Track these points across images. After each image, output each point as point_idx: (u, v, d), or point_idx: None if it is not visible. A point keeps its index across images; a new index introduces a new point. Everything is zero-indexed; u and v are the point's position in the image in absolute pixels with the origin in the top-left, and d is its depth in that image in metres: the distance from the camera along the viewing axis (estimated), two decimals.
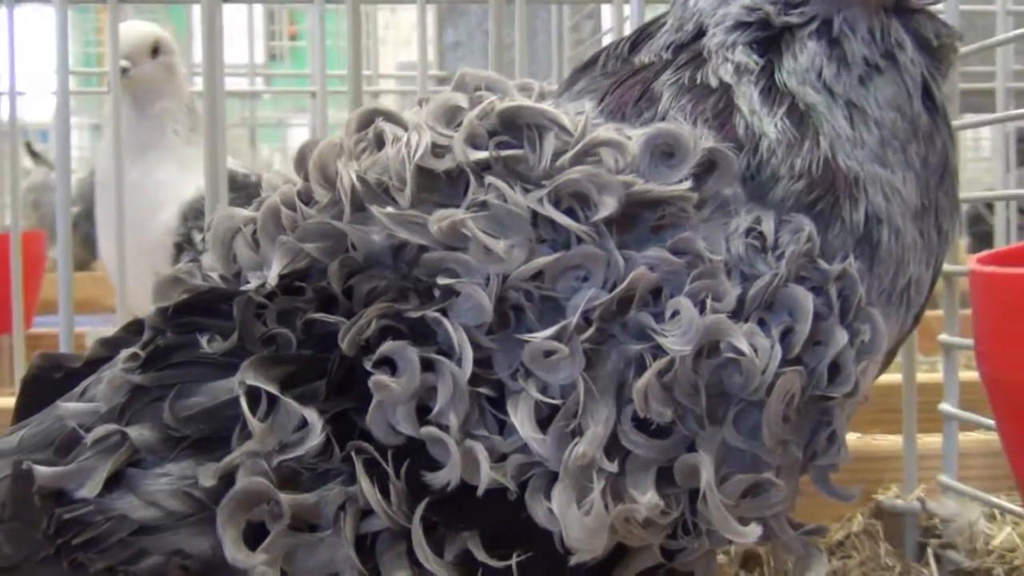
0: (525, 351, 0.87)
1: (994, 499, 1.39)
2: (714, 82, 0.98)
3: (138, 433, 0.92)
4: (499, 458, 0.87)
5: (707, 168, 0.92)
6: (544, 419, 0.86)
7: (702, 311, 0.86)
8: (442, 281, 0.89)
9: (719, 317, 0.86)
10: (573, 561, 0.87)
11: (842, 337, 0.89)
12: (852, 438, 1.64)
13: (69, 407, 0.96)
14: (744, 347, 0.86)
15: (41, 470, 0.91)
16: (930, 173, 1.00)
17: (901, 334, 1.02)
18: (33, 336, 2.60)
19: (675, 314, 0.86)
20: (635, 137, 0.93)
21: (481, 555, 0.87)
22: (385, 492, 0.87)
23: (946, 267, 1.44)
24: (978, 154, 4.59)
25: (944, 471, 1.46)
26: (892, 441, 1.53)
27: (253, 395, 0.89)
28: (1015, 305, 0.80)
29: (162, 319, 0.97)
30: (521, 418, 0.86)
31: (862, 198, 0.95)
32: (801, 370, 0.87)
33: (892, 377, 1.68)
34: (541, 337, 0.86)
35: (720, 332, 0.86)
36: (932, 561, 1.37)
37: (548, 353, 0.86)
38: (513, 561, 0.87)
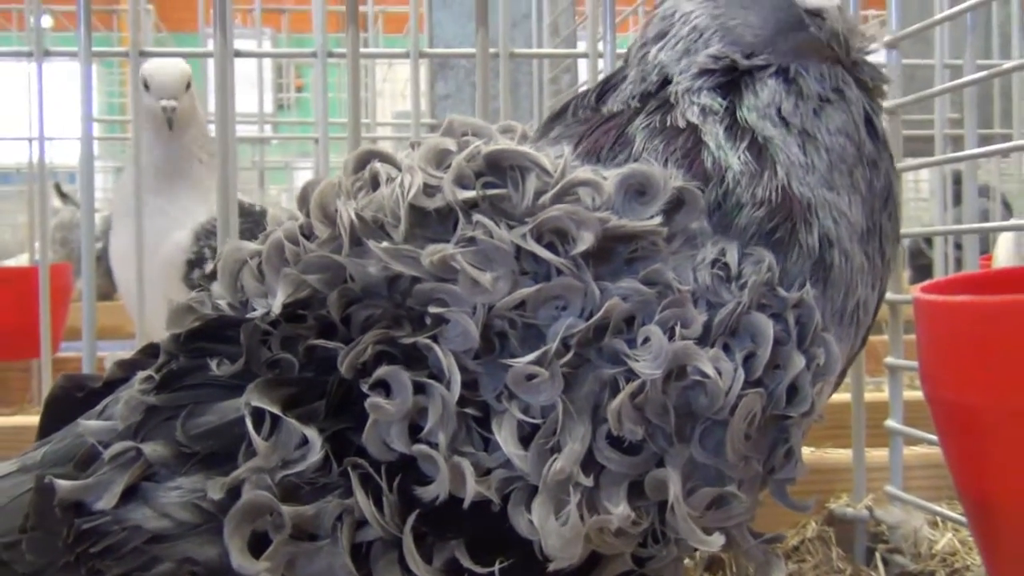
0: (509, 375, 0.88)
1: (936, 507, 1.41)
2: (682, 123, 1.00)
3: (152, 449, 0.92)
4: (484, 473, 0.88)
5: (676, 205, 0.93)
6: (525, 437, 0.87)
7: (671, 338, 0.87)
8: (433, 310, 0.90)
9: (686, 343, 0.87)
10: (551, 568, 0.88)
11: (799, 361, 0.90)
12: (806, 452, 1.64)
13: (89, 425, 0.96)
14: (709, 371, 0.86)
15: (62, 483, 0.91)
16: (875, 196, 1.01)
17: (851, 354, 1.02)
18: (59, 360, 2.60)
19: (646, 340, 0.87)
20: (610, 177, 0.93)
21: (467, 562, 0.88)
22: (379, 504, 0.87)
23: (891, 296, 1.46)
24: (918, 195, 4.63)
25: (890, 482, 1.47)
26: (843, 454, 1.54)
27: (258, 415, 0.90)
28: (956, 330, 0.81)
29: (175, 344, 0.98)
30: (504, 436, 0.87)
31: (815, 222, 0.96)
32: (762, 392, 0.88)
33: (842, 396, 1.69)
34: (523, 362, 0.87)
35: (687, 357, 0.87)
36: (880, 564, 1.38)
37: (530, 376, 0.87)
38: (496, 568, 0.88)
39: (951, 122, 1.94)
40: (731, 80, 1.02)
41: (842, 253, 0.97)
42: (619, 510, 0.86)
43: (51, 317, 1.70)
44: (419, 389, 0.88)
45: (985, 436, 0.80)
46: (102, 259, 5.00)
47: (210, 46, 1.57)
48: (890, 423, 1.47)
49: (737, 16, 1.04)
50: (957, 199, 3.20)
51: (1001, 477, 0.80)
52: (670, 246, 0.92)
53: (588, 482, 0.86)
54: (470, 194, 0.93)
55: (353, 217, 0.94)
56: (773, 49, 1.03)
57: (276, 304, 0.94)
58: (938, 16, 1.53)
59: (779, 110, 1.01)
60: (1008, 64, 1.42)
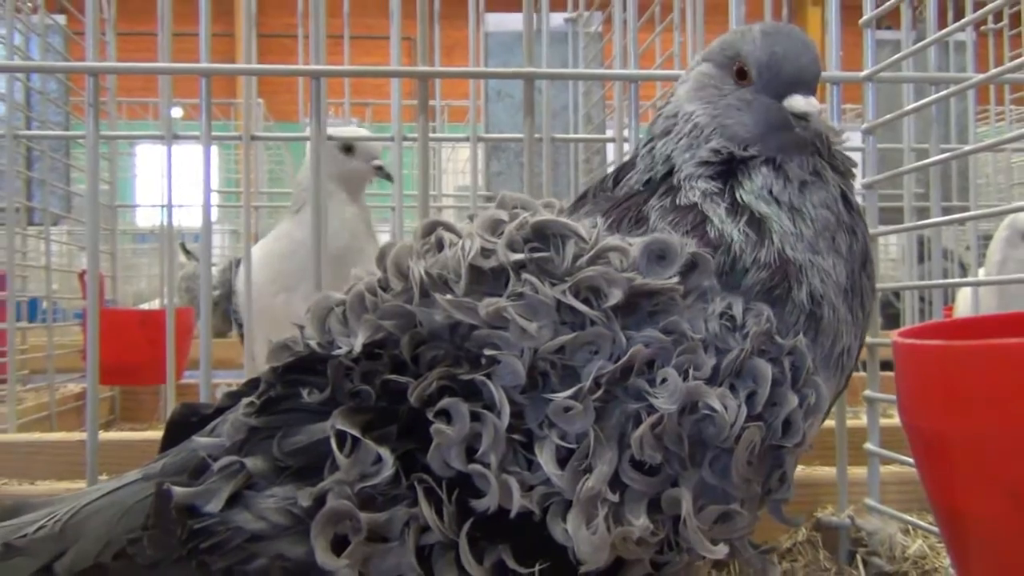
0: (549, 407, 0.88)
1: (908, 518, 1.39)
2: (688, 203, 1.00)
3: (253, 463, 0.92)
4: (527, 489, 0.87)
5: (690, 267, 0.93)
6: (562, 459, 0.87)
7: (685, 378, 0.87)
8: (488, 352, 0.90)
9: (698, 383, 0.87)
10: (582, 570, 0.87)
11: (793, 400, 0.89)
12: (798, 470, 1.61)
13: (200, 441, 0.97)
14: (718, 406, 0.86)
15: (177, 490, 0.92)
16: (854, 259, 1.00)
17: (836, 392, 1.01)
18: (182, 386, 2.62)
19: (664, 380, 0.87)
20: (635, 244, 0.94)
21: (512, 563, 0.87)
22: (440, 513, 0.87)
23: (869, 339, 1.46)
24: (887, 255, 4.62)
25: (869, 495, 1.45)
26: (828, 471, 1.52)
27: (341, 437, 0.90)
28: (929, 369, 0.80)
29: (273, 375, 0.98)
30: (545, 458, 0.87)
31: (804, 281, 0.96)
32: (761, 425, 0.88)
33: (828, 423, 1.67)
34: (561, 397, 0.87)
35: (699, 394, 0.86)
36: (860, 566, 1.36)
37: (567, 409, 0.87)
38: (536, 569, 0.87)
39: (917, 196, 1.92)
40: (728, 168, 1.02)
41: (829, 307, 0.97)
42: (640, 522, 0.86)
43: (175, 351, 1.71)
44: (475, 418, 0.88)
45: (953, 458, 0.78)
46: (218, 304, 5.05)
47: (307, 132, 1.58)
48: (868, 446, 1.45)
49: (732, 116, 1.04)
50: (920, 259, 3.18)
51: (967, 492, 0.78)
52: (685, 301, 0.92)
53: (614, 498, 0.86)
54: (519, 256, 0.94)
55: (423, 273, 0.94)
56: (763, 144, 1.02)
57: (357, 344, 0.94)
58: (907, 108, 1.52)
59: (770, 191, 1.00)
60: (966, 148, 1.41)
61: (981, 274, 2.59)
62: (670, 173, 1.04)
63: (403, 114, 1.82)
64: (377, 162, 2.48)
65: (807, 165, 1.02)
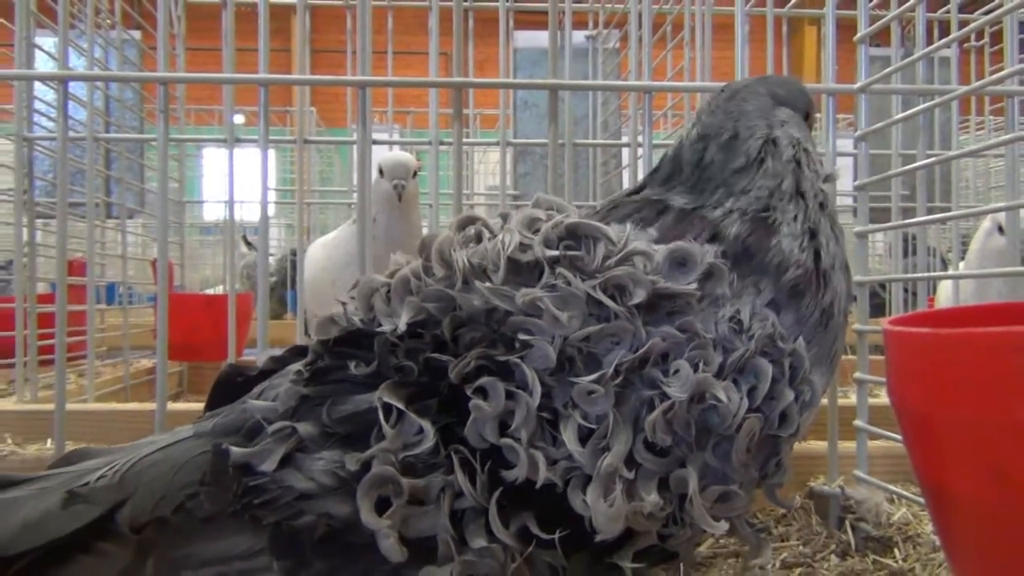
0: (574, 390, 0.87)
1: (893, 488, 1.37)
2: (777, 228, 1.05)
3: (304, 428, 0.92)
4: (552, 463, 0.87)
5: (708, 275, 0.93)
6: (583, 437, 0.86)
7: (695, 371, 0.87)
8: (522, 337, 0.89)
9: (706, 375, 0.87)
10: (597, 538, 0.87)
11: (790, 395, 0.90)
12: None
13: (255, 404, 0.96)
14: (723, 397, 0.86)
15: (235, 450, 0.91)
16: (848, 280, 1.05)
17: (826, 387, 1.03)
18: (241, 362, 2.62)
19: (677, 372, 0.87)
20: (659, 250, 0.94)
21: (535, 529, 0.87)
22: (473, 482, 0.87)
23: (858, 327, 1.45)
24: (874, 251, 4.59)
25: (858, 467, 1.43)
26: (821, 445, 1.50)
27: (387, 409, 0.89)
28: (918, 355, 0.78)
29: (323, 348, 0.97)
30: (568, 436, 0.86)
31: (830, 287, 1.00)
32: (760, 416, 0.88)
33: (822, 401, 1.66)
34: (586, 381, 0.87)
35: (707, 386, 0.87)
36: (849, 530, 1.34)
37: (590, 392, 0.86)
38: (556, 535, 0.86)
39: (903, 197, 1.90)
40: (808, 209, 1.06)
41: (839, 311, 1.00)
42: (651, 498, 0.86)
43: (236, 331, 1.71)
44: (509, 396, 0.87)
45: (939, 437, 0.77)
46: (274, 290, 5.07)
47: (355, 136, 1.57)
48: (857, 423, 1.43)
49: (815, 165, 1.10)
50: (905, 253, 3.15)
51: (951, 469, 0.76)
52: (700, 304, 0.92)
53: (629, 475, 0.86)
54: (554, 253, 0.93)
55: (466, 262, 0.94)
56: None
57: (402, 323, 0.93)
58: (895, 117, 1.50)
59: (833, 216, 1.07)
60: (949, 154, 1.38)
61: (962, 266, 2.56)
62: (767, 209, 1.05)
63: (440, 121, 1.82)
64: (397, 182, 2.44)
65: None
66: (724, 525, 0.88)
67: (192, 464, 0.94)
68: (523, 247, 0.94)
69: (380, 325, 0.96)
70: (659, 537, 0.91)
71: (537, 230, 0.96)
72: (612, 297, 0.90)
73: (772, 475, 0.93)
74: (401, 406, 0.89)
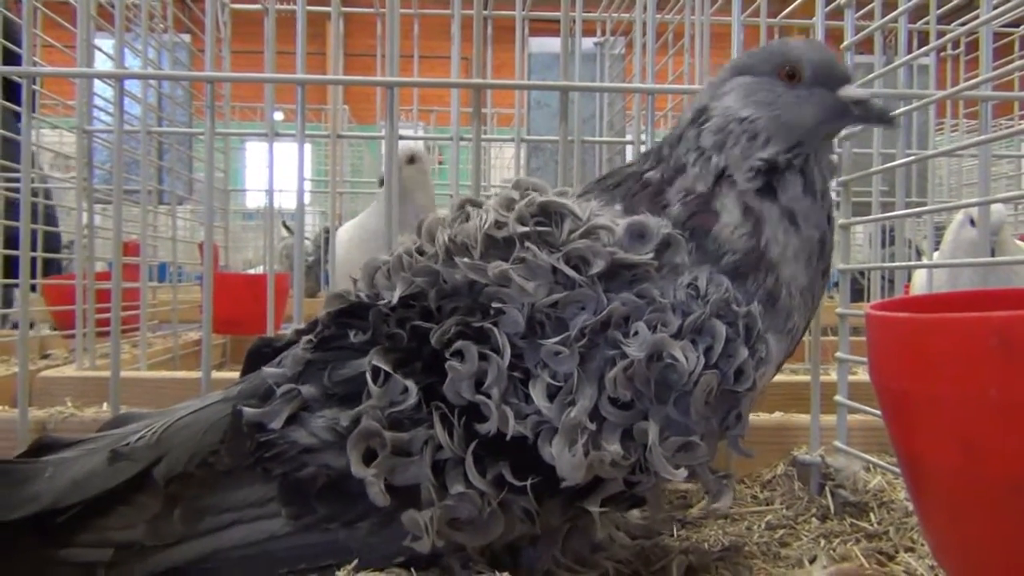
0: (542, 351, 0.89)
1: (870, 458, 1.36)
2: (711, 197, 1.00)
3: (307, 390, 0.95)
4: (523, 417, 0.88)
5: (665, 245, 0.93)
6: (552, 394, 0.88)
7: (653, 332, 0.88)
8: (495, 305, 0.91)
9: (663, 336, 0.87)
10: (563, 485, 0.88)
11: (744, 352, 0.89)
12: (779, 415, 1.61)
13: (268, 371, 0.99)
14: (679, 356, 0.87)
15: (248, 410, 0.95)
16: (817, 271, 1.01)
17: (786, 353, 1.02)
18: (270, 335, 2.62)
19: (636, 333, 0.88)
20: (620, 224, 0.94)
21: (510, 477, 0.89)
22: (451, 435, 0.89)
23: (839, 310, 1.44)
24: (855, 241, 4.56)
25: (837, 439, 1.42)
26: (804, 418, 1.50)
27: (376, 371, 0.92)
28: (896, 337, 0.77)
29: (328, 318, 1.00)
30: (537, 392, 0.88)
31: (773, 273, 0.97)
32: (717, 373, 0.88)
33: (804, 378, 1.66)
34: (551, 342, 0.88)
35: (663, 345, 0.87)
36: (828, 496, 1.34)
37: (556, 353, 0.88)
38: (528, 482, 0.88)
39: (882, 192, 1.89)
40: (768, 182, 0.99)
41: (787, 294, 0.97)
42: (612, 448, 0.87)
43: (275, 307, 1.71)
44: (482, 358, 0.89)
45: (915, 413, 0.76)
46: (311, 269, 5.07)
47: (383, 132, 1.57)
48: (838, 398, 1.42)
49: (792, 111, 1.00)
50: (883, 244, 3.12)
51: (926, 442, 0.76)
52: (660, 273, 0.92)
53: (592, 427, 0.87)
54: (525, 229, 0.94)
55: (447, 240, 0.96)
56: (815, 134, 1.01)
57: (395, 296, 0.96)
58: None
59: (788, 202, 0.99)
60: (926, 153, 1.37)
61: (935, 256, 2.54)
62: (721, 175, 1.00)
63: (460, 119, 1.81)
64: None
65: (825, 175, 1.01)
66: (683, 472, 0.89)
67: (219, 424, 0.97)
68: (498, 224, 0.96)
69: (382, 299, 0.98)
70: (626, 484, 0.91)
71: (512, 208, 0.97)
72: (575, 267, 0.91)
73: (733, 426, 0.92)
74: (388, 368, 0.92)
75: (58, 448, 1.01)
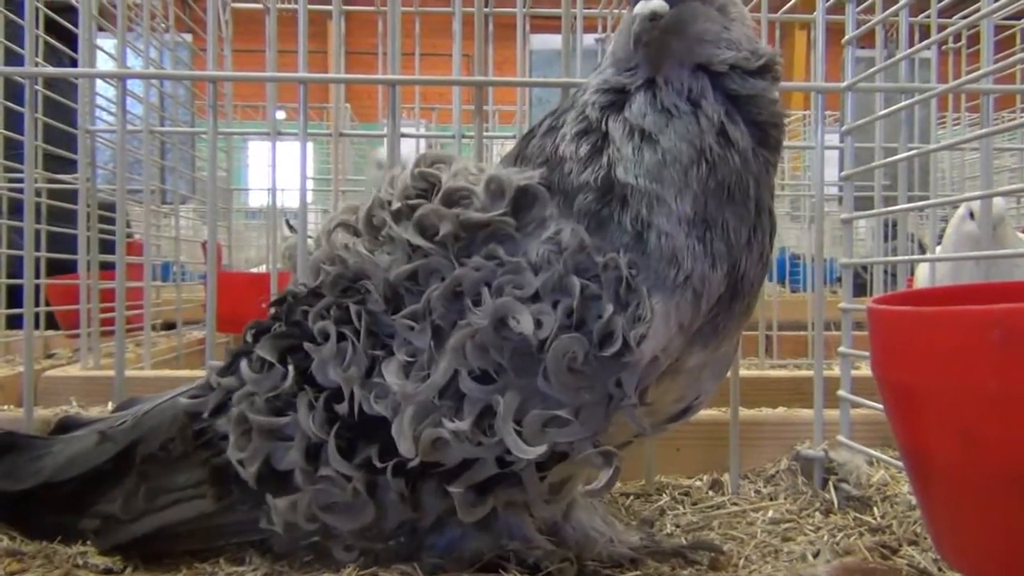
0: (398, 325, 0.87)
1: (873, 452, 1.36)
2: (563, 127, 0.93)
3: (226, 381, 0.99)
4: (383, 397, 0.87)
5: (533, 199, 0.87)
6: (408, 372, 0.86)
7: (499, 296, 0.83)
8: (363, 283, 0.91)
9: (507, 300, 0.82)
10: (410, 465, 0.86)
11: (610, 309, 0.81)
12: (782, 410, 1.61)
13: (212, 364, 1.05)
14: (523, 320, 0.81)
15: (184, 400, 1.02)
16: (710, 193, 0.84)
17: (705, 317, 0.86)
18: None
19: (482, 300, 0.83)
20: (479, 183, 0.89)
21: (376, 460, 0.88)
22: (315, 419, 0.89)
23: (842, 305, 1.44)
24: (857, 236, 4.56)
25: (841, 433, 1.42)
26: (808, 413, 1.49)
27: (260, 360, 0.95)
28: (899, 331, 0.77)
29: (274, 310, 1.02)
30: (389, 370, 0.86)
31: (631, 206, 0.84)
32: (579, 336, 0.80)
33: (807, 373, 1.66)
34: (399, 316, 0.87)
35: (506, 310, 0.82)
36: (832, 490, 1.34)
37: (411, 328, 0.86)
38: (389, 464, 0.87)
39: (884, 187, 1.89)
40: (616, 100, 0.90)
41: (659, 234, 0.83)
42: (453, 425, 0.83)
43: None
44: (341, 338, 0.89)
45: (917, 405, 0.76)
46: None
47: (385, 130, 1.57)
48: (841, 392, 1.42)
49: (621, 36, 0.92)
50: (886, 238, 3.11)
51: (927, 434, 0.75)
52: (526, 231, 0.86)
53: (440, 404, 0.84)
54: (397, 205, 0.92)
55: (330, 225, 0.98)
56: (637, 59, 0.90)
57: (310, 284, 0.97)
58: (879, 113, 1.48)
59: (636, 117, 0.87)
60: (928, 147, 1.37)
61: (938, 250, 2.54)
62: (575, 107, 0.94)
63: (462, 116, 1.81)
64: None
65: (685, 92, 0.87)
66: (540, 449, 0.82)
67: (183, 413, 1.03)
68: (381, 203, 0.94)
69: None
70: (500, 464, 0.85)
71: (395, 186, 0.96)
72: (430, 237, 0.88)
73: (619, 398, 0.83)
74: (266, 355, 0.94)
75: (78, 427, 1.11)
